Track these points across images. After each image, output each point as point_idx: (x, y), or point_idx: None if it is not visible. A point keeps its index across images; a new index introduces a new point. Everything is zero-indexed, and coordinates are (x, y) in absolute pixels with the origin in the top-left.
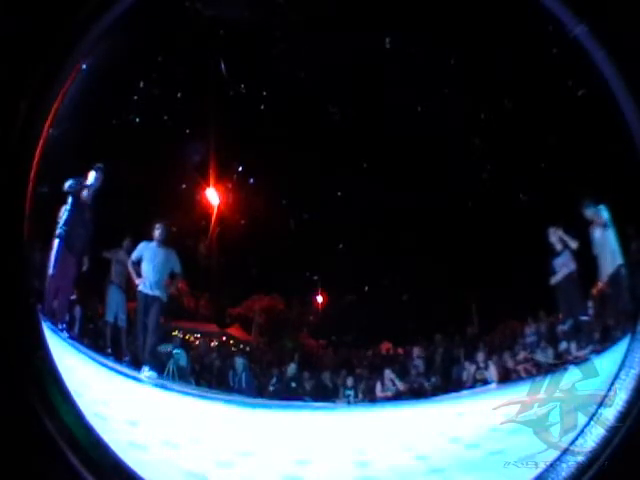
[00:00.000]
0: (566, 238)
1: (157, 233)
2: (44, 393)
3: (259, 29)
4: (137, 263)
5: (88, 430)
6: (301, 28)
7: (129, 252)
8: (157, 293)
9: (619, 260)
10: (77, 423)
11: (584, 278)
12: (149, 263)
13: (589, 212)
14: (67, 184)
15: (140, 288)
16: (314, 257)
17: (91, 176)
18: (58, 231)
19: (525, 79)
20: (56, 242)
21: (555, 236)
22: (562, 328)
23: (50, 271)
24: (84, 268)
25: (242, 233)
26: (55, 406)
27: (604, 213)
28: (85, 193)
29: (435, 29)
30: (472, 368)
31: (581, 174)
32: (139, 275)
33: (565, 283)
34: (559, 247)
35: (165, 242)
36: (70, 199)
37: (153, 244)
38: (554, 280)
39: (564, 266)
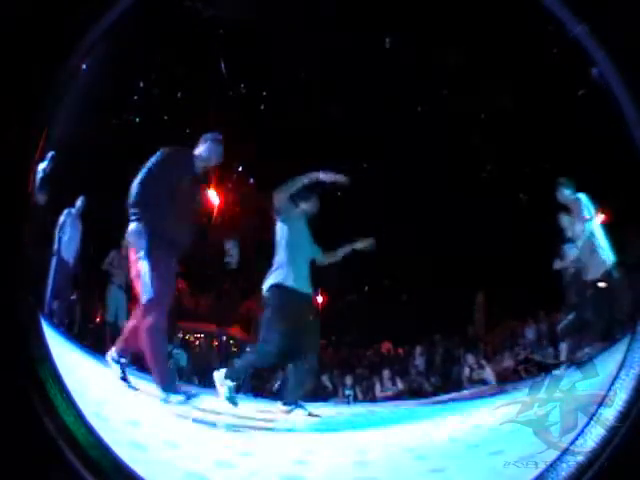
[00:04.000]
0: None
1: None
2: (44, 393)
3: (259, 29)
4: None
5: (88, 430)
6: (301, 28)
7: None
8: None
9: (611, 258)
10: (77, 423)
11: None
12: None
13: (564, 195)
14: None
15: None
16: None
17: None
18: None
19: (525, 79)
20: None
21: (567, 222)
22: (564, 327)
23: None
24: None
25: (242, 233)
26: (55, 406)
27: (584, 201)
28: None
29: (435, 29)
30: (472, 368)
31: (581, 174)
32: None
33: (573, 279)
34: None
35: None
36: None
37: None
38: (558, 265)
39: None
